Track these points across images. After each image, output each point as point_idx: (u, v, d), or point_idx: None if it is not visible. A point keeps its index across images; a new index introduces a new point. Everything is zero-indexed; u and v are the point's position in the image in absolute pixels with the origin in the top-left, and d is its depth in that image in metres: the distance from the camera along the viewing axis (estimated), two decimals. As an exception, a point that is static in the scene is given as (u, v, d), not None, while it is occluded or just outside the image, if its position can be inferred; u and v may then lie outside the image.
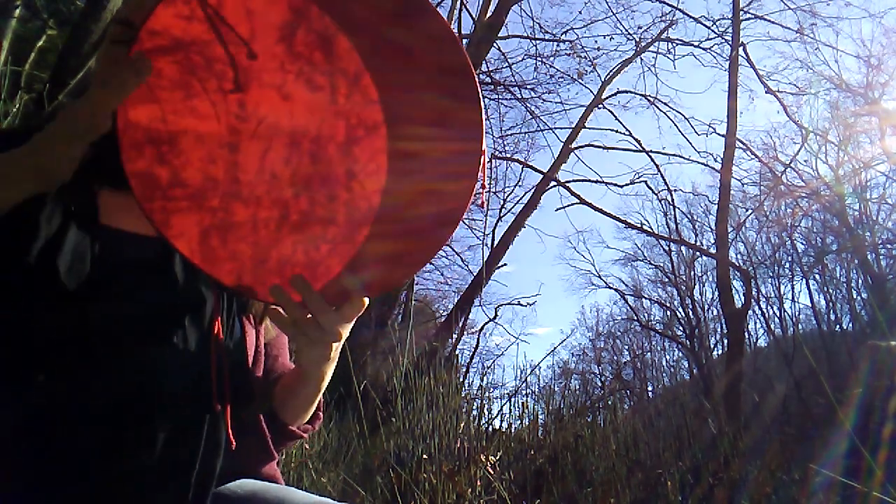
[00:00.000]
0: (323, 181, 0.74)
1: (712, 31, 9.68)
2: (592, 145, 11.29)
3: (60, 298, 0.73)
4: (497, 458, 3.02)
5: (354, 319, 0.77)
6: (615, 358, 20.37)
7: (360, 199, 0.75)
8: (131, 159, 0.69)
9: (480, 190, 0.80)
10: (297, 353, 0.81)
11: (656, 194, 12.18)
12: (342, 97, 0.74)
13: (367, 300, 0.75)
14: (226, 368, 0.83)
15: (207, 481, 0.81)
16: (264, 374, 0.99)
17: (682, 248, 17.12)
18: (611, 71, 10.86)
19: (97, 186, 0.81)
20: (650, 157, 10.72)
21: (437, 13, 0.78)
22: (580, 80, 10.30)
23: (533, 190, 10.82)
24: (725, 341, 9.96)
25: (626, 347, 21.22)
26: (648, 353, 21.00)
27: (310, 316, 0.74)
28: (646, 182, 11.47)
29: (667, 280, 18.78)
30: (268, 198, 0.73)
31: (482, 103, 0.79)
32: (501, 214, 11.74)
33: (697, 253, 16.68)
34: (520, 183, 12.21)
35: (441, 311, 14.09)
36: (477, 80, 0.77)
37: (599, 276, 18.30)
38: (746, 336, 11.54)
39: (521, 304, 12.65)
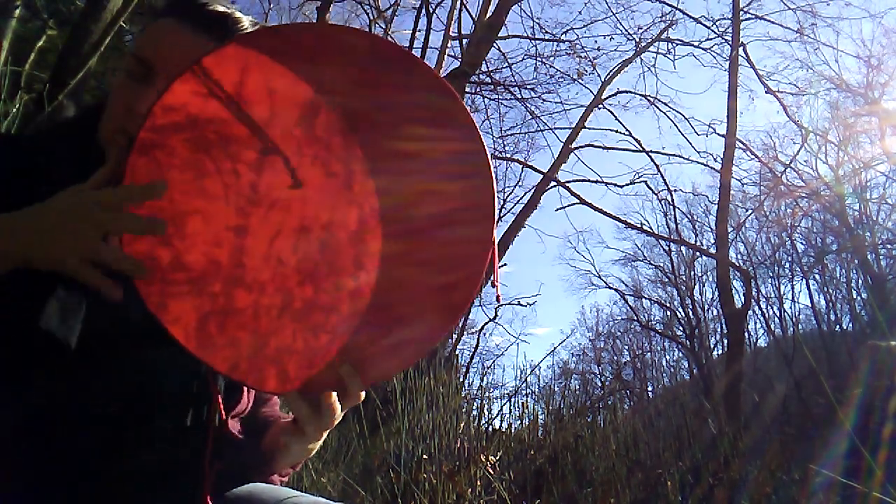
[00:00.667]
0: (330, 269, 0.71)
1: (712, 31, 9.67)
2: (592, 145, 11.28)
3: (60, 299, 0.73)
4: (497, 458, 3.02)
5: (348, 409, 0.76)
6: (615, 358, 20.37)
7: (366, 288, 0.72)
8: (130, 242, 0.66)
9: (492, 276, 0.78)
10: (289, 434, 0.81)
11: (656, 194, 12.18)
12: (357, 185, 0.72)
13: (363, 394, 0.74)
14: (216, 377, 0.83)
15: (210, 481, 0.81)
16: (251, 417, 0.98)
17: (682, 248, 17.12)
18: (611, 71, 10.86)
19: None
20: (650, 157, 10.71)
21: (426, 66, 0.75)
22: (580, 81, 10.29)
23: (533, 190, 10.81)
24: (725, 341, 9.96)
25: (626, 347, 21.23)
26: (648, 354, 21.01)
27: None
28: (646, 182, 11.47)
29: (667, 280, 18.77)
30: (272, 284, 0.70)
31: (495, 183, 0.75)
32: (501, 214, 11.75)
33: (697, 253, 16.68)
34: (520, 183, 12.24)
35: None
36: (488, 155, 0.74)
37: (599, 277, 18.30)
38: (746, 336, 11.54)
39: (521, 304, 12.66)
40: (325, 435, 0.81)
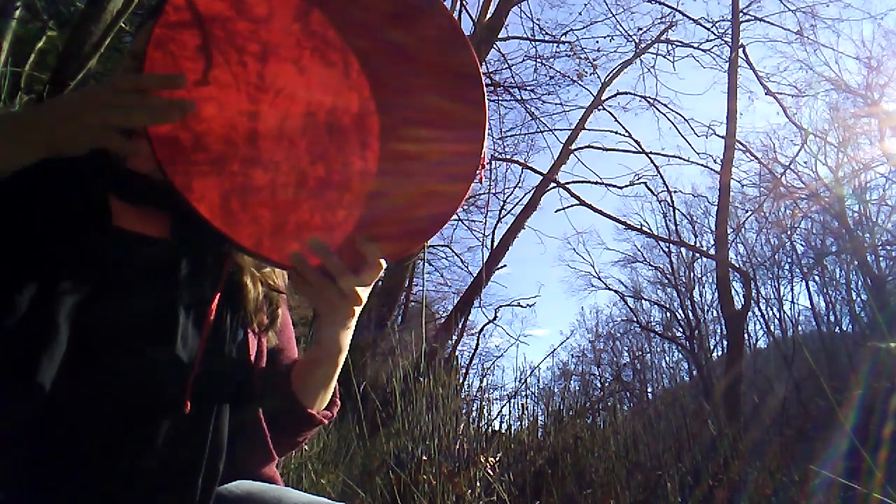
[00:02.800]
0: (339, 149, 0.78)
1: (712, 32, 9.69)
2: (592, 147, 11.29)
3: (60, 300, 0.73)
4: (497, 459, 3.02)
5: (372, 283, 0.79)
6: (615, 359, 20.37)
7: (374, 167, 0.79)
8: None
9: (479, 179, 0.84)
10: (317, 322, 0.83)
11: (656, 196, 12.17)
12: (355, 72, 0.80)
13: (384, 263, 0.77)
14: (228, 366, 0.83)
15: (211, 482, 0.81)
16: (271, 370, 0.99)
17: (682, 249, 17.13)
18: (610, 72, 10.87)
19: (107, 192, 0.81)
20: (650, 158, 10.71)
21: (447, 12, 0.83)
22: (580, 82, 10.31)
23: (533, 191, 10.82)
24: (725, 343, 9.95)
25: (626, 349, 21.23)
26: (648, 355, 21.01)
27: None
28: (645, 183, 11.46)
29: (666, 281, 18.78)
30: (286, 164, 0.75)
31: (486, 104, 0.84)
32: (501, 216, 11.75)
33: (697, 254, 16.69)
34: (519, 184, 12.22)
35: (441, 313, 14.09)
36: (483, 82, 0.82)
37: (599, 278, 18.30)
38: (746, 338, 11.54)
39: (521, 306, 12.67)
40: (353, 322, 0.84)
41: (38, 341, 0.72)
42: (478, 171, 0.82)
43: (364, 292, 0.79)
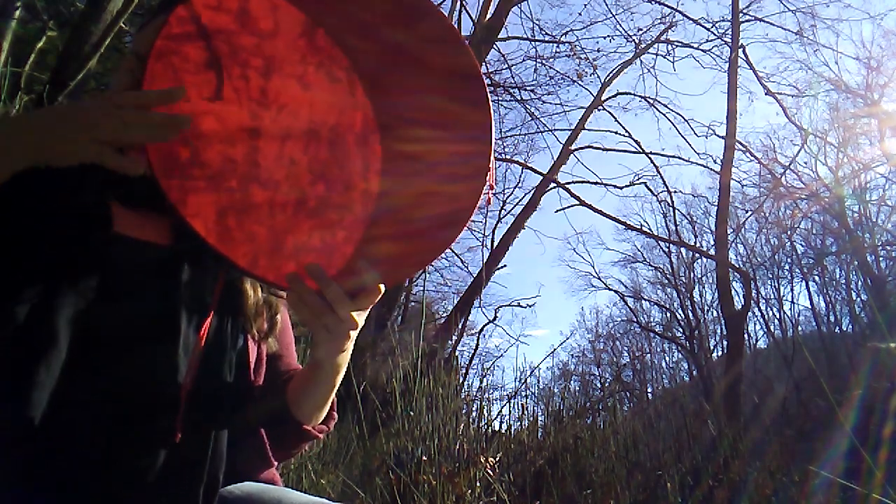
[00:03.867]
0: (341, 169, 0.76)
1: (712, 32, 9.70)
2: (592, 147, 11.29)
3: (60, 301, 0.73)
4: (497, 459, 3.02)
5: (370, 308, 0.77)
6: (615, 359, 20.37)
7: (376, 189, 0.77)
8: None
9: (487, 191, 0.81)
10: (314, 343, 0.81)
11: (656, 196, 12.18)
12: (360, 93, 0.78)
13: (382, 287, 0.75)
14: (229, 371, 0.83)
15: (211, 485, 0.81)
16: (270, 377, 0.99)
17: (682, 249, 17.13)
18: (610, 72, 10.88)
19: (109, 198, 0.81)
20: (650, 158, 10.72)
21: (442, 16, 0.81)
22: (580, 82, 10.31)
23: (533, 191, 10.83)
24: (725, 343, 9.95)
25: (626, 349, 21.24)
26: (648, 355, 21.01)
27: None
28: (645, 184, 11.47)
29: (666, 282, 18.78)
30: (286, 182, 0.74)
31: (491, 106, 0.82)
32: (501, 216, 11.77)
33: (697, 254, 16.70)
34: (519, 184, 12.25)
35: (441, 313, 14.09)
36: (484, 82, 0.80)
37: (599, 278, 18.32)
38: (746, 338, 11.53)
39: (521, 306, 12.68)
40: (350, 345, 0.82)
41: (37, 349, 0.72)
42: (482, 199, 0.80)
43: (361, 316, 0.76)
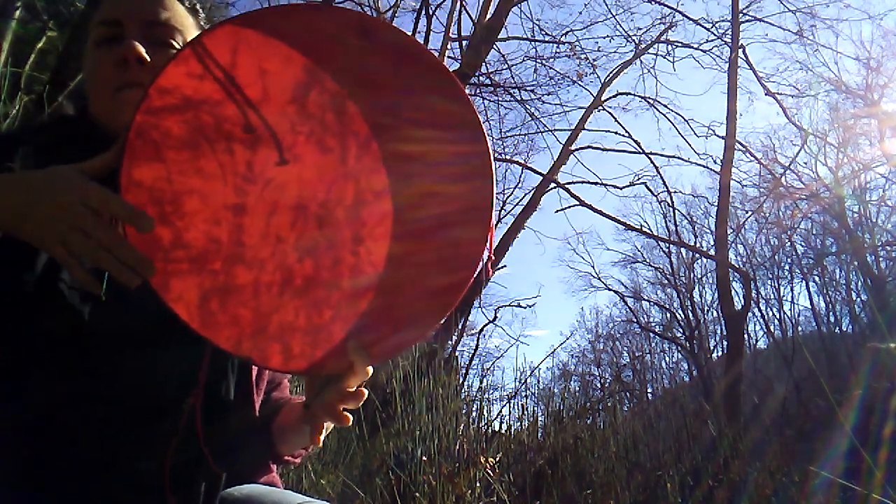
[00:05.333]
0: (329, 245, 0.72)
1: (712, 33, 9.68)
2: (592, 147, 11.28)
3: (61, 301, 0.73)
4: (497, 460, 3.02)
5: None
6: (615, 360, 20.35)
7: (366, 265, 0.73)
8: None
9: (488, 273, 0.78)
10: (304, 415, 0.81)
11: (656, 196, 12.16)
12: (352, 159, 0.73)
13: (370, 369, 0.73)
14: (229, 373, 0.83)
15: (213, 487, 0.81)
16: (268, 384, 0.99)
17: (682, 249, 17.12)
18: (610, 73, 10.86)
19: None
20: (650, 158, 10.71)
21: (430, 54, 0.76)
22: (580, 82, 10.29)
23: (532, 191, 10.81)
24: (725, 343, 9.95)
25: (626, 349, 21.21)
26: (648, 355, 21.00)
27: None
28: (645, 184, 11.44)
29: (666, 282, 18.78)
30: (272, 261, 0.70)
31: (492, 160, 0.76)
32: (501, 216, 11.74)
33: (697, 255, 16.69)
34: (519, 184, 12.23)
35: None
36: (484, 130, 0.75)
37: (599, 278, 18.30)
38: (746, 338, 11.53)
39: (521, 306, 12.67)
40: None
41: (35, 348, 0.72)
42: (480, 267, 0.76)
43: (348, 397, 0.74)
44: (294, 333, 0.72)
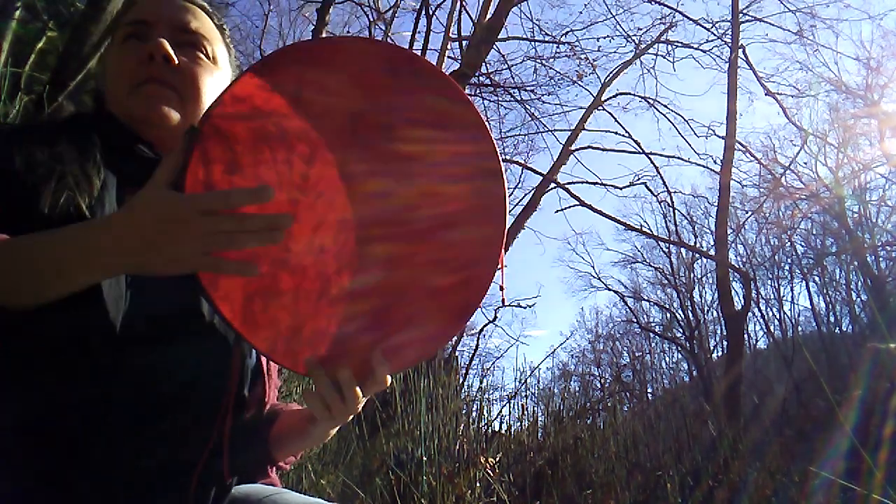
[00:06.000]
0: (363, 259, 0.76)
1: (712, 33, 9.68)
2: (592, 147, 11.28)
3: (64, 300, 0.73)
4: (497, 460, 3.02)
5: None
6: (615, 360, 20.37)
7: (386, 283, 0.77)
8: None
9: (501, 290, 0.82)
10: (311, 417, 0.83)
11: (656, 196, 12.16)
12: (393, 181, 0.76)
13: (389, 378, 0.77)
14: (246, 376, 0.84)
15: (210, 485, 0.81)
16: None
17: (682, 249, 17.14)
18: (610, 73, 10.86)
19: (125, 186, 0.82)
20: (650, 158, 10.72)
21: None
22: (580, 82, 10.30)
23: (532, 192, 10.82)
24: (725, 343, 9.95)
25: (626, 349, 21.24)
26: (648, 355, 21.01)
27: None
28: (645, 184, 11.45)
29: (666, 282, 18.80)
30: (313, 269, 0.74)
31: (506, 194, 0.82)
32: (501, 216, 11.70)
33: (697, 255, 16.70)
34: (519, 185, 12.23)
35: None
36: (501, 164, 0.81)
37: (599, 278, 18.33)
38: (746, 338, 11.53)
39: (521, 306, 12.66)
40: (345, 420, 0.82)
41: (40, 345, 0.72)
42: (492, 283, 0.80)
43: (361, 403, 0.78)
44: (325, 340, 0.75)
